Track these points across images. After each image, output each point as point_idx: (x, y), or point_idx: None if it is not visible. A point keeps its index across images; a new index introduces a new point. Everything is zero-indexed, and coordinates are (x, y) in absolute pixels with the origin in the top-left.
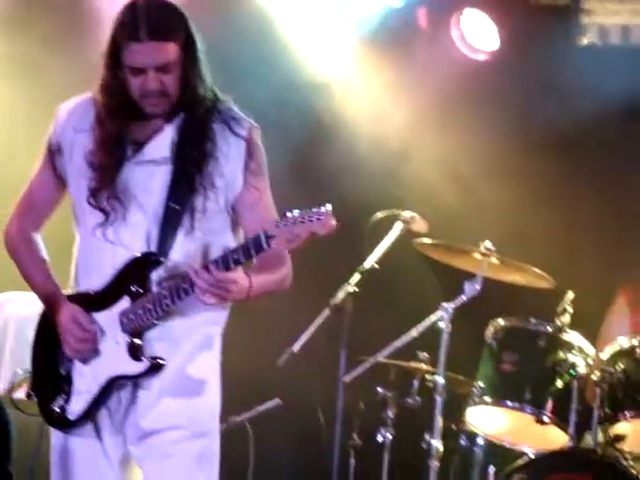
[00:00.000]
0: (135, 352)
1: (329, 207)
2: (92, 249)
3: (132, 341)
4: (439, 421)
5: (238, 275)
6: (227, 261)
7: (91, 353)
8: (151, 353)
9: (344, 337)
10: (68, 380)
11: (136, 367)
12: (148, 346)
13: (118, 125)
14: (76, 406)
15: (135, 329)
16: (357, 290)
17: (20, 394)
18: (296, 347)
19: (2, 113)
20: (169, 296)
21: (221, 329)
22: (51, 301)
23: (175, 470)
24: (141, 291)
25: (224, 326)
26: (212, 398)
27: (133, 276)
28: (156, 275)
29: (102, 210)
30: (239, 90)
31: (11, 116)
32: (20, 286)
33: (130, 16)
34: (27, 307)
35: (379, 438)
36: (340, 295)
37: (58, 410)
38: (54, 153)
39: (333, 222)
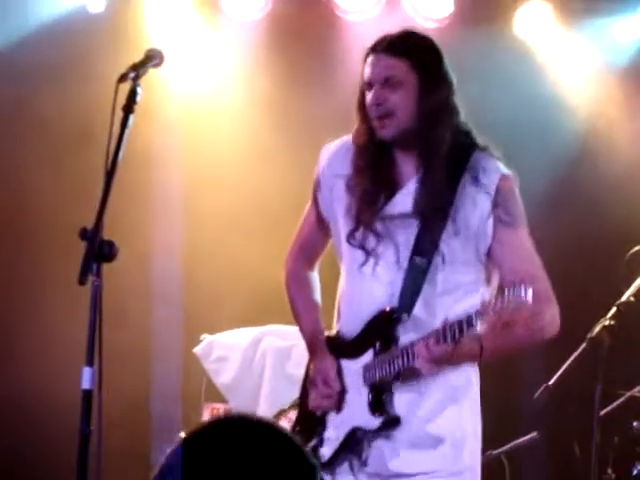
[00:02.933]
0: (374, 407)
1: (530, 296)
2: (352, 287)
3: (371, 395)
4: None
5: (462, 343)
6: (445, 336)
7: (338, 404)
8: (391, 408)
9: (600, 371)
10: (323, 424)
11: (372, 422)
12: (391, 398)
13: (370, 162)
14: (326, 450)
15: (375, 383)
16: (613, 323)
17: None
18: (552, 381)
19: (259, 158)
20: (401, 358)
21: (473, 377)
22: (313, 347)
23: None
24: (383, 348)
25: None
26: (459, 444)
27: (379, 331)
28: (401, 331)
29: (362, 248)
30: (498, 116)
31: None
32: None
33: (378, 38)
34: (284, 340)
35: (635, 472)
36: (597, 329)
37: (312, 450)
38: (318, 195)
39: (529, 314)
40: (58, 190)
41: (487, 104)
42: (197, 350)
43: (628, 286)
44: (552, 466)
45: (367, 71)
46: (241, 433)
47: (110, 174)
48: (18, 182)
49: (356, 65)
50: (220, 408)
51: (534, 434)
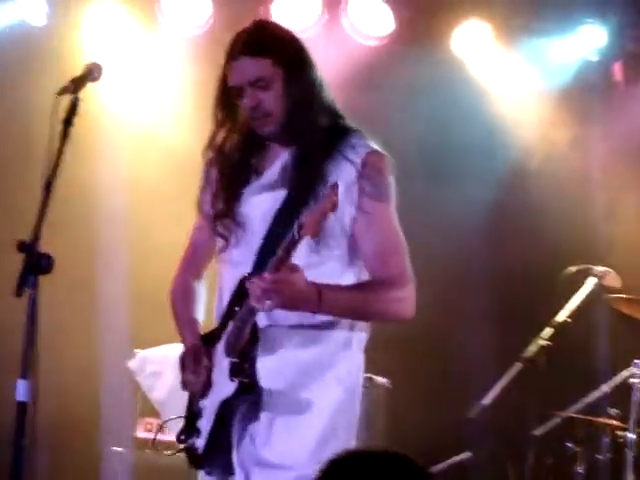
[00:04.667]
0: (232, 373)
1: (335, 186)
2: (221, 274)
3: (230, 362)
4: (630, 478)
5: (296, 279)
6: (274, 262)
7: (208, 385)
8: (249, 372)
9: (535, 391)
10: (199, 416)
11: (229, 388)
12: (252, 364)
13: (237, 154)
14: (201, 440)
15: (234, 350)
16: (549, 344)
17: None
18: (487, 400)
19: None
20: (247, 311)
21: (330, 354)
22: (184, 339)
23: None
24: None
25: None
26: (317, 425)
27: (238, 299)
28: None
29: (221, 235)
30: (436, 134)
31: None
32: None
33: (233, 40)
34: None
35: None
36: (532, 348)
37: (191, 447)
38: (201, 197)
39: (335, 198)
40: None
41: (424, 122)
42: (131, 364)
43: (563, 306)
44: None
45: (233, 77)
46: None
47: (48, 186)
48: None
49: None
50: (154, 423)
51: (467, 453)
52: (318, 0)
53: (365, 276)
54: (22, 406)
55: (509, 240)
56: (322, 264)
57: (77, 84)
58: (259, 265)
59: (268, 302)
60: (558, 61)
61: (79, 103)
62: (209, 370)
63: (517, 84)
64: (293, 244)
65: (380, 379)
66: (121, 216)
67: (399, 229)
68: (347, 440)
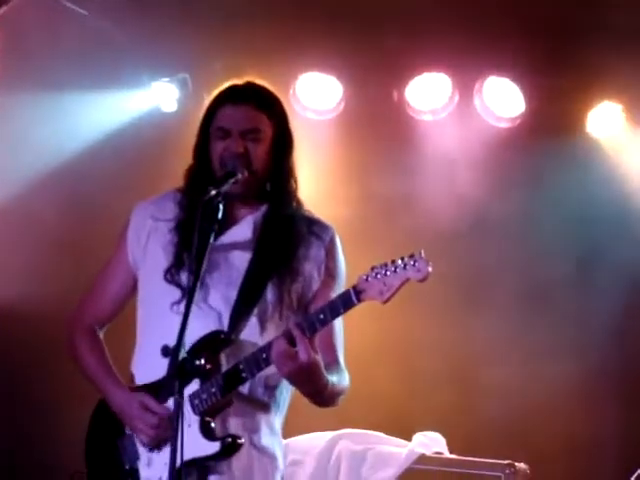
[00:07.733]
0: (209, 432)
1: (423, 253)
2: (166, 327)
3: (205, 421)
4: None
5: (318, 359)
6: (313, 323)
7: (163, 439)
8: (226, 432)
9: None
10: (133, 473)
11: (211, 447)
12: (225, 422)
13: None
14: None
15: (208, 409)
16: None
17: None
18: None
19: None
20: (247, 369)
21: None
22: (112, 391)
23: None
24: (213, 370)
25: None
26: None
27: (203, 356)
28: (225, 354)
29: (179, 286)
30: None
31: None
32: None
33: (231, 86)
34: (359, 443)
35: None
36: None
37: None
38: (128, 244)
39: (429, 268)
40: None
41: (560, 202)
42: None
43: None
44: None
45: (222, 118)
46: None
47: (192, 292)
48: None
49: (430, 166)
50: None
51: None
52: (449, 83)
53: None
54: None
55: None
56: (275, 327)
57: (219, 187)
58: (234, 322)
59: (290, 375)
60: None
61: (221, 207)
62: (166, 422)
63: None
64: (346, 308)
65: (521, 465)
66: None
67: None
68: None
